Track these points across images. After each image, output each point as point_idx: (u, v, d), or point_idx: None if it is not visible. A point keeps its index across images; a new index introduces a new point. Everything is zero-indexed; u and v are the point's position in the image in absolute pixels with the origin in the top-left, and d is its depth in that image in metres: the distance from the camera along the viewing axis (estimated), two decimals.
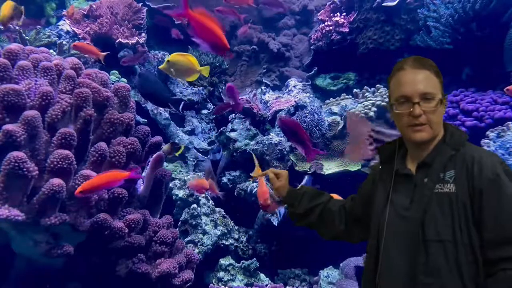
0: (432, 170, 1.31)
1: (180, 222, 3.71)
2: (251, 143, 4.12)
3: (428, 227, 1.26)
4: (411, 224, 1.29)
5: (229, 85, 3.53)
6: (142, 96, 3.37)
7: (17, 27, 4.24)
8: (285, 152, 4.04)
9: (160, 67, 2.90)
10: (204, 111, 4.77)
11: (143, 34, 4.90)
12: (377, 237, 1.37)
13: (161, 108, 4.41)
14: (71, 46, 4.06)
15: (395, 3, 4.78)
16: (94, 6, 4.91)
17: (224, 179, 4.06)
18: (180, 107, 2.92)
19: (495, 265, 1.20)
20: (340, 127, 4.14)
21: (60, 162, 2.36)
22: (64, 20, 4.84)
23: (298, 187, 1.72)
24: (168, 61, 2.82)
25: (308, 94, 4.69)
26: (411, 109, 1.29)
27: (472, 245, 1.22)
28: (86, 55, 4.02)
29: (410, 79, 1.31)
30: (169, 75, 3.03)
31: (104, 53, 3.74)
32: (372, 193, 1.46)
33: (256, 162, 2.56)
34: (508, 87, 3.49)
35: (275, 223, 3.79)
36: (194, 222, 3.68)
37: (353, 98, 4.43)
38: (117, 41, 4.64)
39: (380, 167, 1.47)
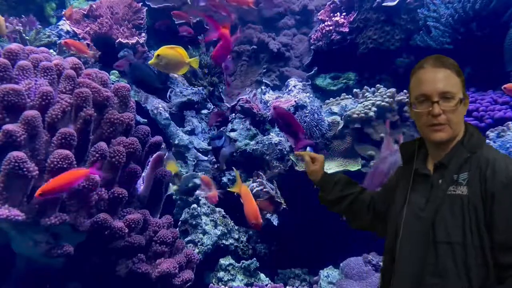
0: (447, 172, 1.30)
1: (180, 222, 3.70)
2: (251, 143, 4.12)
3: (438, 228, 1.26)
4: (424, 224, 1.29)
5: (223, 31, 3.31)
6: (133, 83, 3.32)
7: (17, 27, 4.24)
8: (285, 152, 4.04)
9: (149, 62, 2.89)
10: (204, 111, 4.76)
11: (143, 34, 4.89)
12: (394, 235, 1.37)
13: (161, 108, 4.40)
14: (62, 43, 4.04)
15: (395, 3, 4.77)
16: (94, 6, 4.91)
17: (224, 179, 4.06)
18: (168, 94, 2.93)
19: (506, 270, 1.20)
20: (340, 127, 4.14)
21: (60, 162, 2.36)
22: (64, 20, 4.84)
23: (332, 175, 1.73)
24: (157, 55, 2.80)
25: (308, 94, 4.68)
26: (430, 108, 1.28)
27: (482, 247, 1.21)
28: (81, 54, 4.02)
29: (430, 77, 1.29)
30: (159, 69, 3.01)
31: (93, 52, 3.73)
32: (393, 191, 1.46)
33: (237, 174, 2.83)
34: (505, 85, 3.49)
35: (275, 223, 3.79)
36: (194, 222, 3.68)
37: (353, 98, 4.42)
38: (117, 41, 4.64)
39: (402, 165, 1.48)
